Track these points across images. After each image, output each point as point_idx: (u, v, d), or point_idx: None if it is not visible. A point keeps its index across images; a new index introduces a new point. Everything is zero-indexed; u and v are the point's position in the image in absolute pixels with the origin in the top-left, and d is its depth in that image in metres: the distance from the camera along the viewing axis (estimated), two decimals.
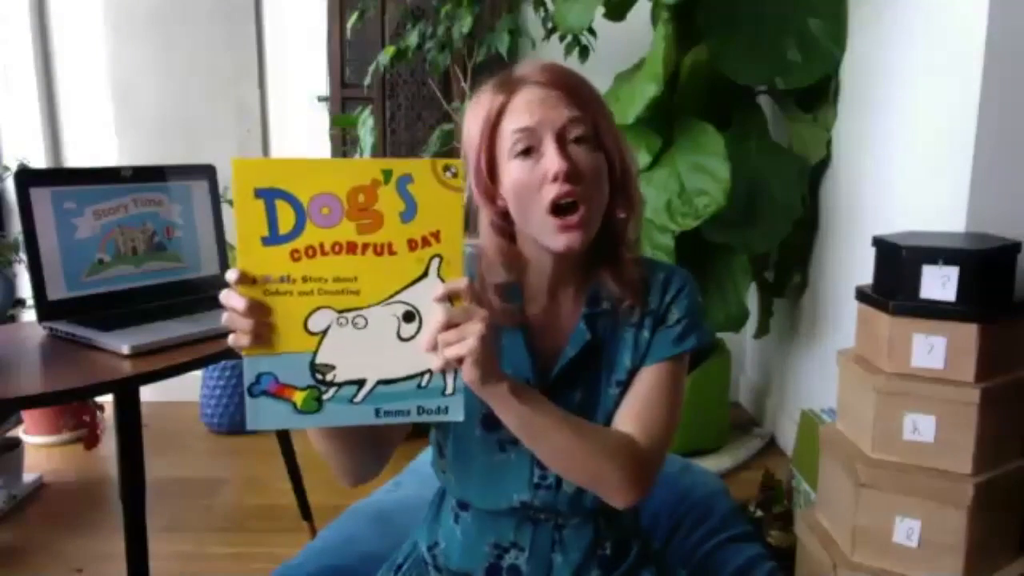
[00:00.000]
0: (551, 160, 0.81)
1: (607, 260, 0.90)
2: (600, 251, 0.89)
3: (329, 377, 0.80)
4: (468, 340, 0.74)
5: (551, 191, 0.81)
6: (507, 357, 0.89)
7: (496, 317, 0.83)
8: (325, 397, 0.81)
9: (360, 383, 0.81)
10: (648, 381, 0.90)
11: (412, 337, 0.80)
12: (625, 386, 0.91)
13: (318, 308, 0.80)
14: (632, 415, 0.89)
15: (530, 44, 2.63)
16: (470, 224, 0.91)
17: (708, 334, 0.95)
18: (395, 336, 0.81)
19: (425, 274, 0.80)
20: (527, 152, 0.83)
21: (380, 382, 0.82)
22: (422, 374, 0.81)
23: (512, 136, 0.83)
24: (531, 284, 0.91)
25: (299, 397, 0.81)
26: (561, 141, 0.82)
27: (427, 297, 0.80)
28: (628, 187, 0.88)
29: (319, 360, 0.80)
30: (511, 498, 0.91)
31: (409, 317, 0.81)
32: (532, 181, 0.82)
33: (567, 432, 0.82)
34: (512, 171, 0.84)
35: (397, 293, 0.80)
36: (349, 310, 0.80)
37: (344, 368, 0.81)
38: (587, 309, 0.91)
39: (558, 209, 0.82)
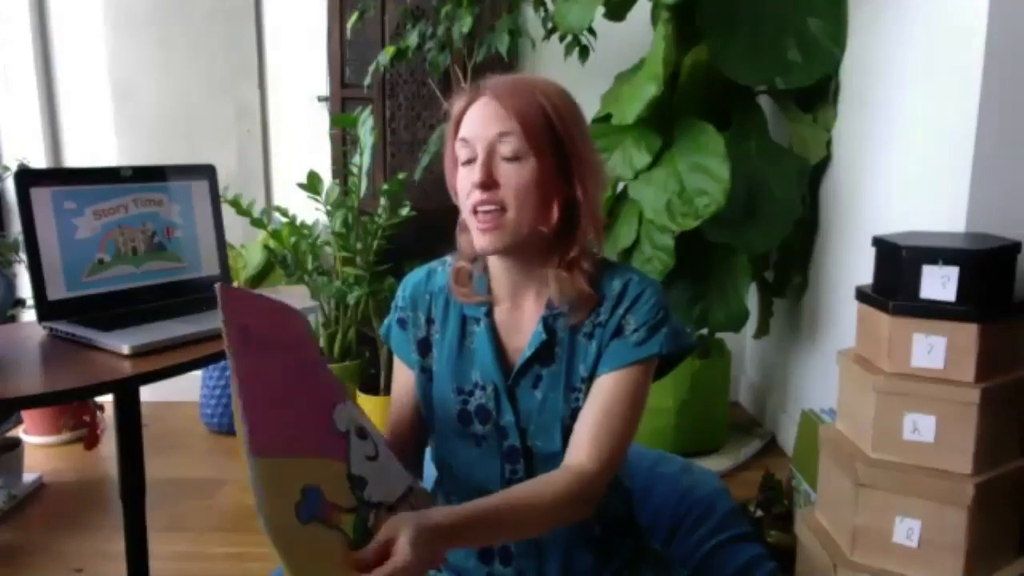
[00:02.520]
0: (474, 171, 0.88)
1: (560, 267, 0.93)
2: (556, 257, 0.93)
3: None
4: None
5: (473, 197, 0.89)
6: (476, 355, 0.96)
7: (466, 299, 0.96)
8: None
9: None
10: (605, 390, 0.92)
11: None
12: (584, 392, 0.94)
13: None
14: (586, 429, 0.91)
15: (530, 44, 2.63)
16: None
17: (676, 338, 0.95)
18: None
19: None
20: (469, 161, 0.90)
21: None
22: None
23: (458, 146, 0.92)
24: (497, 285, 0.97)
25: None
26: (491, 153, 0.88)
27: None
28: (587, 201, 0.92)
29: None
30: (485, 490, 0.93)
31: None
32: (465, 187, 0.90)
33: (516, 524, 0.85)
34: (457, 177, 0.93)
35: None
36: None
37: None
38: (546, 311, 0.95)
39: (478, 213, 0.89)
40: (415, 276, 1.04)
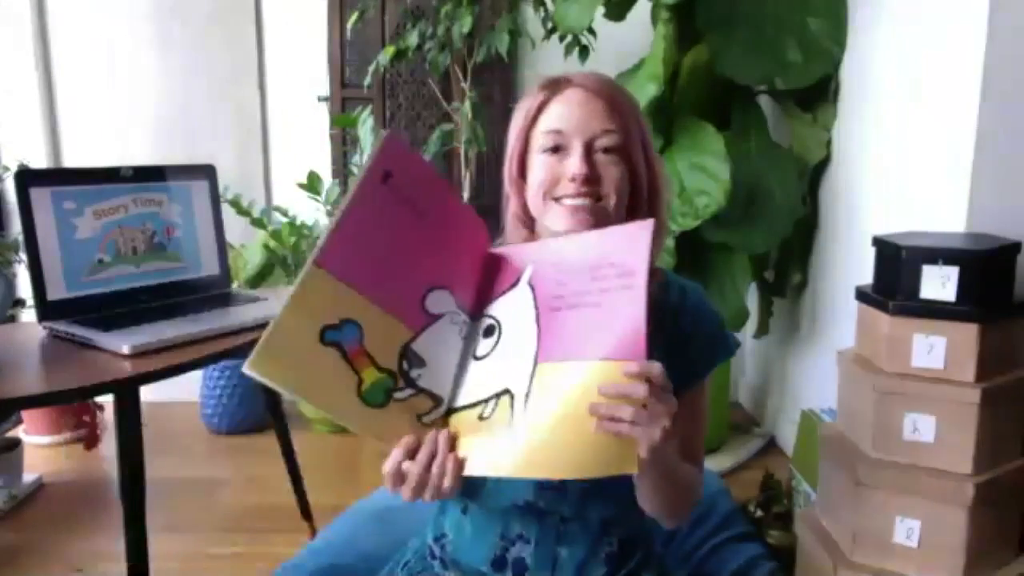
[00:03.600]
0: (574, 163, 0.87)
1: None
2: None
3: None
4: (654, 429, 0.71)
5: (566, 188, 0.88)
6: None
7: None
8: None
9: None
10: (691, 402, 0.92)
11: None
12: None
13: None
14: (686, 444, 0.91)
15: (530, 44, 2.63)
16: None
17: (732, 340, 0.98)
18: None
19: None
20: (555, 150, 0.89)
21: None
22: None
23: (544, 135, 0.89)
24: None
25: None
26: (588, 148, 0.88)
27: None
28: (654, 206, 0.92)
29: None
30: (514, 498, 0.93)
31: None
32: (552, 176, 0.88)
33: (673, 485, 0.86)
34: (537, 165, 0.90)
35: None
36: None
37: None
38: None
39: (565, 200, 0.88)
40: None
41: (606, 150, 0.88)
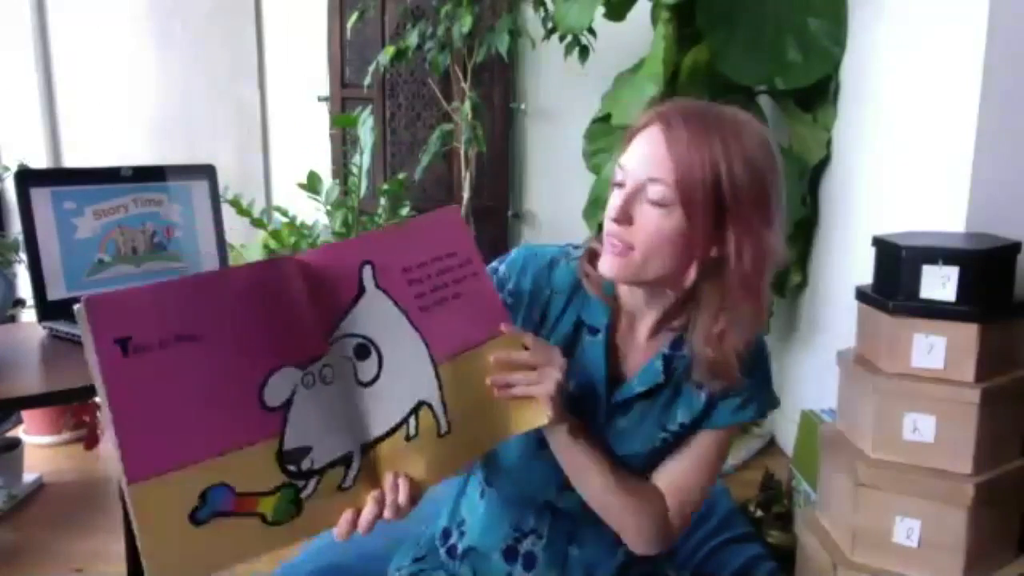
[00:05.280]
0: (612, 202, 0.83)
1: (706, 343, 0.85)
2: (697, 314, 0.86)
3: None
4: (546, 383, 0.78)
5: (607, 226, 0.84)
6: (582, 366, 0.91)
7: (595, 289, 0.90)
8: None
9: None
10: (700, 445, 0.92)
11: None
12: (673, 436, 0.92)
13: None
14: (674, 476, 0.92)
15: (530, 44, 2.63)
16: None
17: (768, 404, 0.94)
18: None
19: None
20: (618, 185, 0.83)
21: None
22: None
23: (616, 166, 0.85)
24: (622, 294, 0.92)
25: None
26: (637, 191, 0.81)
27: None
28: (739, 272, 0.81)
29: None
30: (538, 495, 0.94)
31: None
32: (609, 208, 0.84)
33: (607, 481, 0.86)
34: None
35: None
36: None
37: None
38: (668, 350, 0.90)
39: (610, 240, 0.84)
40: (536, 261, 0.94)
41: (654, 201, 0.79)
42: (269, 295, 0.66)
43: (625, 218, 0.81)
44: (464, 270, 0.80)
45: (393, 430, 0.71)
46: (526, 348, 0.81)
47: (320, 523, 0.67)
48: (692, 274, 0.82)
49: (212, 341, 0.62)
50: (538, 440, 0.88)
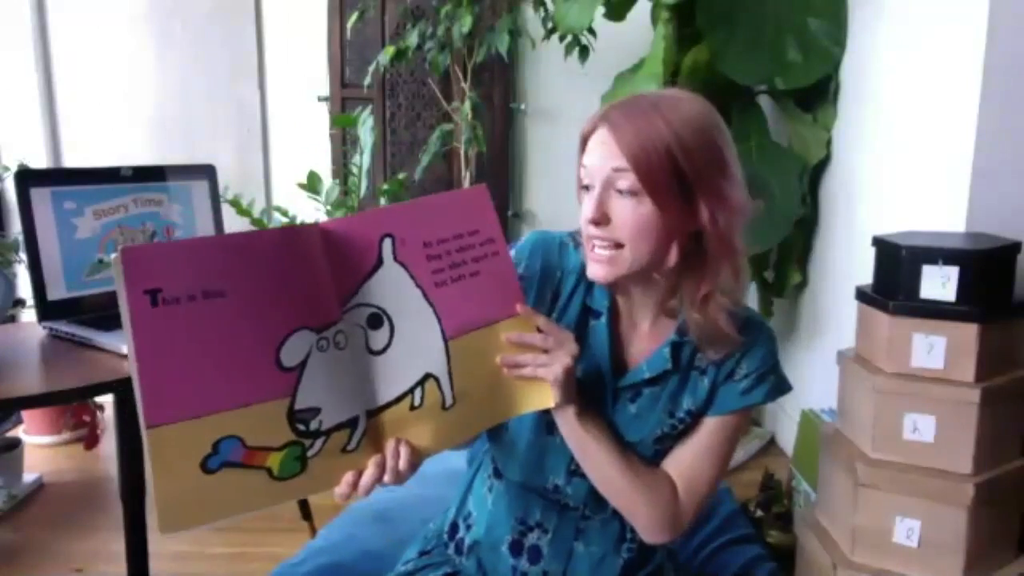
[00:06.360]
0: (587, 205, 0.84)
1: (692, 308, 0.87)
2: (686, 292, 0.87)
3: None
4: (555, 367, 0.80)
5: (588, 230, 0.84)
6: (587, 351, 0.91)
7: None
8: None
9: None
10: (707, 431, 0.92)
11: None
12: (680, 423, 0.92)
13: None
14: (683, 463, 0.92)
15: (530, 44, 2.63)
16: None
17: (777, 388, 0.94)
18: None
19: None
20: (586, 187, 0.85)
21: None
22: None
23: (579, 170, 0.86)
24: (618, 290, 0.93)
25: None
26: (606, 188, 0.82)
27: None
28: (717, 236, 0.84)
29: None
30: (547, 479, 0.94)
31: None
32: (583, 214, 0.85)
33: (615, 463, 0.88)
34: (581, 199, 0.87)
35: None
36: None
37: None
38: (676, 337, 0.90)
39: (593, 245, 0.85)
40: (546, 244, 0.95)
41: (624, 191, 0.81)
42: (293, 259, 0.68)
43: (603, 218, 0.82)
44: (485, 248, 0.81)
45: (399, 399, 0.73)
46: (539, 331, 0.83)
47: (323, 482, 0.69)
48: (674, 254, 0.84)
49: (236, 299, 0.64)
50: (548, 424, 0.90)
